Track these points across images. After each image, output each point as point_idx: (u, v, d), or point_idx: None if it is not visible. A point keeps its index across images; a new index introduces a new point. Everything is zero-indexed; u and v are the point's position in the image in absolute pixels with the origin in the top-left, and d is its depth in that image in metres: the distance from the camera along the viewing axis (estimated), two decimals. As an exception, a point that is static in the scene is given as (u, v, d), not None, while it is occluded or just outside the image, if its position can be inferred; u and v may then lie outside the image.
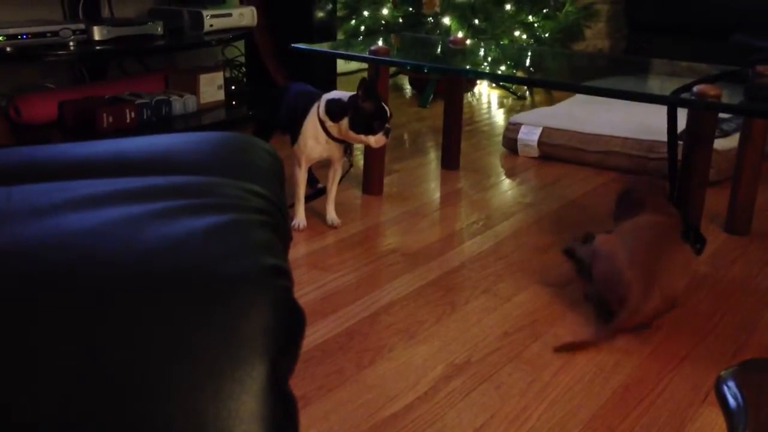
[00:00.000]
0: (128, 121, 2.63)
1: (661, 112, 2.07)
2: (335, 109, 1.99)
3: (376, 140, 1.98)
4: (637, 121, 2.73)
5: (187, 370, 0.41)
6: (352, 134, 1.98)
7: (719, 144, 2.43)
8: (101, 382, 0.40)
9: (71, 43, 2.47)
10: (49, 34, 2.42)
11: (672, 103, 1.75)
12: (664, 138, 2.58)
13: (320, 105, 2.01)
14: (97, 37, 2.55)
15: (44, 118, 2.59)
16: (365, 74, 2.30)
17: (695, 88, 1.70)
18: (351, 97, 1.97)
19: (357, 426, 1.24)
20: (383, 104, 1.97)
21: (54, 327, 0.41)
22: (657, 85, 2.32)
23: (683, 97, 1.71)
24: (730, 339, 1.55)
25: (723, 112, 2.19)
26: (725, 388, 0.65)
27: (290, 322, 0.48)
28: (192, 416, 0.40)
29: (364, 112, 1.95)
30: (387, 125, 1.98)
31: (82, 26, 2.51)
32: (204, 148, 0.69)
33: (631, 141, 2.64)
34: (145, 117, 2.70)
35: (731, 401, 0.64)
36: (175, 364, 0.41)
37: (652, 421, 1.27)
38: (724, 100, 1.71)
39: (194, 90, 2.97)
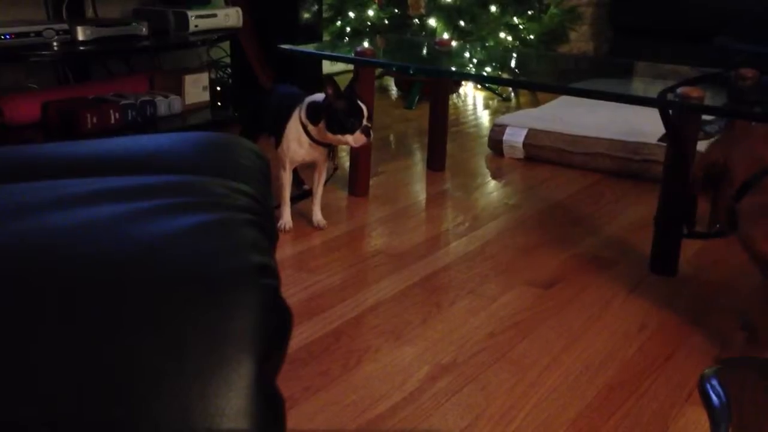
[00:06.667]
0: (112, 121, 2.61)
1: (645, 114, 2.08)
2: (314, 112, 1.97)
3: (354, 139, 1.95)
4: (622, 123, 2.75)
5: (173, 368, 0.40)
6: (330, 135, 1.96)
7: (702, 146, 2.46)
8: (87, 381, 0.40)
9: (55, 44, 2.46)
10: (32, 35, 2.40)
11: (658, 104, 1.76)
12: (649, 140, 2.61)
13: (302, 108, 2.00)
14: (80, 37, 2.53)
15: (27, 119, 2.57)
16: (351, 75, 2.30)
17: (679, 90, 1.71)
18: (324, 98, 1.96)
19: (343, 427, 1.24)
20: (358, 102, 1.94)
21: (40, 326, 0.41)
22: (641, 87, 2.34)
23: (669, 99, 1.73)
24: (712, 338, 1.56)
25: (707, 114, 2.21)
26: (708, 386, 0.66)
27: (277, 321, 0.48)
28: (179, 414, 0.40)
29: (336, 111, 1.93)
30: (366, 123, 1.94)
31: (65, 26, 2.49)
32: (190, 148, 0.69)
33: (616, 143, 2.66)
34: (129, 118, 2.69)
35: (714, 399, 0.64)
36: (161, 361, 0.41)
37: (637, 420, 1.28)
38: (707, 102, 1.72)
39: (179, 91, 2.95)
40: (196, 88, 3.04)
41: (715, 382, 0.66)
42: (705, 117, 2.49)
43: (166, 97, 2.86)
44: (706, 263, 1.94)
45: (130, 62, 3.07)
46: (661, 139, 2.53)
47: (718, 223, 1.58)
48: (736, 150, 1.47)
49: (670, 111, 1.75)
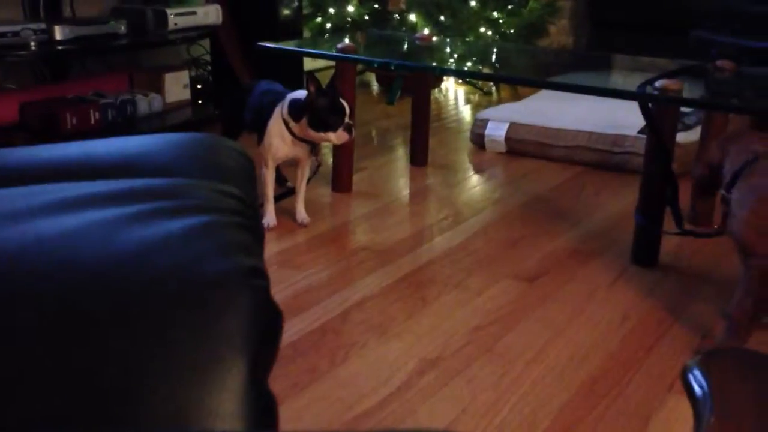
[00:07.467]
0: (92, 121, 2.60)
1: (625, 106, 2.10)
2: (296, 109, 1.98)
3: (337, 137, 1.96)
4: (602, 116, 2.77)
5: (167, 370, 0.41)
6: (312, 133, 1.96)
7: (681, 137, 2.48)
8: (82, 385, 0.40)
9: (32, 43, 2.43)
10: (9, 34, 2.37)
11: (638, 97, 1.78)
12: (629, 132, 2.64)
13: (284, 105, 2.00)
14: (58, 36, 2.51)
15: (6, 120, 2.55)
16: (332, 71, 2.30)
17: (657, 83, 1.73)
18: (306, 96, 1.96)
19: (331, 423, 1.25)
20: (340, 99, 1.95)
21: (33, 331, 0.41)
22: (621, 80, 2.36)
23: (648, 92, 1.74)
24: (694, 328, 1.58)
25: (686, 106, 2.24)
26: (691, 376, 0.67)
27: (268, 322, 0.48)
28: (173, 415, 0.40)
29: (319, 109, 1.94)
30: (347, 120, 1.96)
31: (43, 26, 2.47)
32: (176, 150, 0.69)
33: (595, 135, 2.68)
34: (109, 117, 2.67)
35: (697, 389, 0.66)
36: (155, 364, 0.41)
37: (621, 411, 1.30)
38: (685, 94, 1.74)
39: (159, 89, 2.94)
40: (177, 87, 3.02)
41: (697, 373, 0.68)
42: (684, 109, 2.52)
43: (146, 95, 2.85)
44: (686, 253, 1.96)
45: (109, 61, 3.05)
46: (641, 131, 2.56)
47: (699, 218, 1.61)
48: (731, 147, 1.52)
49: (650, 104, 1.77)
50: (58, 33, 2.51)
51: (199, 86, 3.27)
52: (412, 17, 3.56)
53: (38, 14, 2.69)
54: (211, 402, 0.41)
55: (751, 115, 1.97)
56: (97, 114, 2.61)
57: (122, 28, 2.71)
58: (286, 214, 2.16)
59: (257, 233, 0.57)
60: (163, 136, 0.75)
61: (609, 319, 1.62)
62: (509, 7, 3.69)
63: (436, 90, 3.94)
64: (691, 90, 1.83)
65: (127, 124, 2.73)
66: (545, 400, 1.32)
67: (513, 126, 2.83)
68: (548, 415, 1.28)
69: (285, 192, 2.28)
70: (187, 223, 0.48)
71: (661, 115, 1.81)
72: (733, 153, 1.50)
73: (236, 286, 0.45)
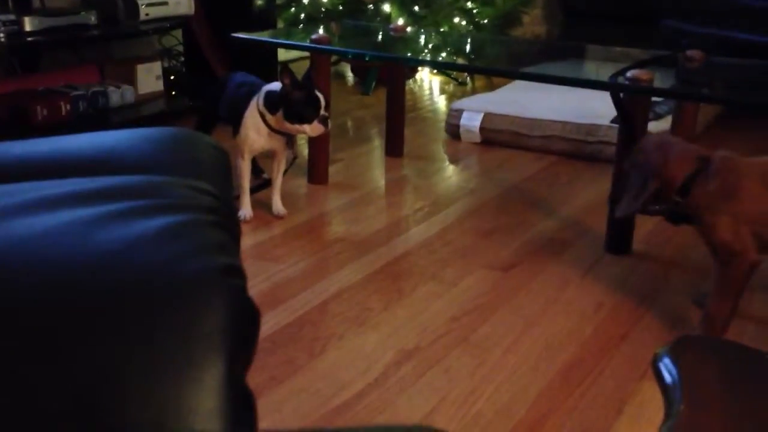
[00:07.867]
0: (63, 113, 2.57)
1: (598, 96, 2.12)
2: (272, 101, 1.97)
3: (311, 129, 1.96)
4: (576, 106, 2.79)
5: (144, 370, 0.41)
6: (287, 125, 1.97)
7: (653, 126, 2.51)
8: (58, 388, 0.40)
9: (1, 35, 2.40)
10: (-23, 26, 2.34)
11: (610, 88, 1.80)
12: (602, 122, 2.66)
13: (260, 97, 2.00)
14: (28, 27, 2.47)
15: (-25, 113, 2.51)
16: (307, 63, 2.29)
17: (629, 73, 1.75)
18: (282, 88, 1.96)
19: (310, 415, 1.26)
20: (315, 92, 1.95)
21: (11, 331, 0.41)
22: (593, 70, 2.38)
23: (620, 82, 1.76)
24: (666, 316, 1.61)
25: (657, 96, 2.26)
26: (661, 364, 0.69)
27: (245, 320, 0.48)
28: (151, 415, 0.40)
29: (294, 101, 1.94)
30: (323, 113, 1.96)
31: (12, 17, 2.44)
32: (151, 146, 0.69)
33: (569, 125, 2.70)
34: (81, 109, 2.64)
35: (667, 377, 0.67)
36: (132, 364, 0.41)
37: (595, 398, 1.32)
38: (656, 84, 1.77)
39: (132, 81, 2.91)
40: (149, 78, 3.00)
41: (667, 361, 0.69)
42: (655, 98, 2.55)
43: (118, 87, 2.82)
44: (659, 241, 1.99)
45: (80, 52, 3.01)
46: (613, 121, 2.59)
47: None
48: (669, 155, 1.49)
49: (621, 94, 1.79)
50: (28, 24, 2.47)
51: (172, 77, 3.25)
52: (387, 8, 3.55)
53: (7, 5, 2.65)
54: (189, 401, 0.41)
55: (719, 104, 2.00)
56: (68, 106, 2.58)
57: (93, 18, 2.68)
58: (262, 206, 2.15)
59: (233, 230, 0.57)
60: (137, 131, 0.75)
61: (583, 307, 1.64)
62: (483, -4, 3.69)
63: (411, 80, 3.94)
64: (661, 80, 1.85)
65: (99, 116, 2.70)
66: (521, 389, 1.34)
67: (488, 116, 2.84)
68: (524, 404, 1.30)
69: (261, 183, 2.28)
70: (162, 223, 0.48)
71: (632, 105, 1.84)
72: (673, 161, 1.47)
73: (213, 285, 0.45)
